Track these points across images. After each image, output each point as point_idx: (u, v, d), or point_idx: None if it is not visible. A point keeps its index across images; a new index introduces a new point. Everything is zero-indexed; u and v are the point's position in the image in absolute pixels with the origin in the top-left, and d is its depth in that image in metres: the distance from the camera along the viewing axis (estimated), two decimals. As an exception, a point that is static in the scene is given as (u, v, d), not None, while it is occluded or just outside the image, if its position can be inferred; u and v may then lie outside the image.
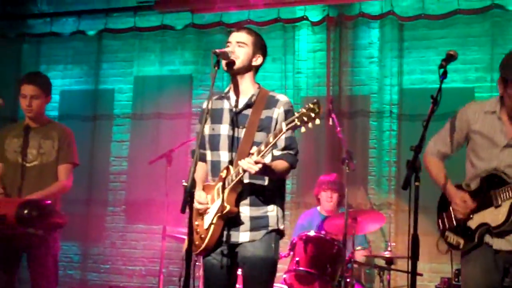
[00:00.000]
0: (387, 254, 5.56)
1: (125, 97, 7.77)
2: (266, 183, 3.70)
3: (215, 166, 3.77)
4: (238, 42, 3.75)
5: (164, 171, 6.23)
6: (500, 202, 3.59)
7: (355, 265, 5.64)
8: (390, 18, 6.85)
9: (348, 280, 5.27)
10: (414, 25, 6.79)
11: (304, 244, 5.30)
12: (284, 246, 6.00)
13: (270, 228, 3.70)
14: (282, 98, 3.75)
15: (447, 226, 3.81)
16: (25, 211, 4.35)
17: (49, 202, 4.55)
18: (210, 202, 3.69)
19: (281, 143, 3.65)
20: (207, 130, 3.81)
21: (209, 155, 3.81)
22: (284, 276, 5.42)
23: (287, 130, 3.35)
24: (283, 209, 3.81)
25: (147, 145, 7.34)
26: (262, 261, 3.65)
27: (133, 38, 7.71)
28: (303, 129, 3.33)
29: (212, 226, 3.62)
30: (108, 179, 7.64)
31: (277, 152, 3.66)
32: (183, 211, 3.31)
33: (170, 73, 7.62)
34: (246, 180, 3.63)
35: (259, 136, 3.63)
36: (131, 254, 7.44)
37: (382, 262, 5.67)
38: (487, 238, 3.65)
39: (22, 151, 4.89)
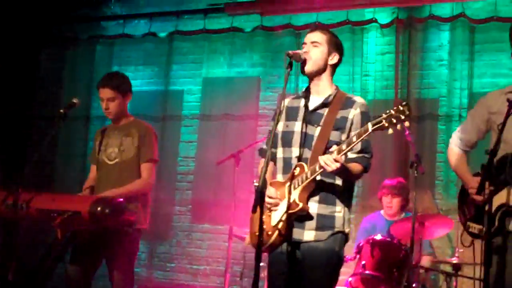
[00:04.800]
0: (454, 260, 5.48)
1: (194, 98, 7.87)
2: (337, 182, 3.69)
3: (287, 163, 3.77)
4: (312, 42, 3.77)
5: (230, 171, 6.29)
6: None
7: (421, 271, 5.59)
8: (461, 21, 6.75)
9: (414, 285, 5.23)
10: (485, 27, 6.67)
11: (371, 247, 5.28)
12: (349, 249, 6.01)
13: (336, 230, 3.67)
14: (359, 99, 3.78)
15: (467, 216, 3.66)
16: (98, 208, 4.44)
17: (122, 200, 4.64)
18: (280, 199, 3.68)
19: (358, 146, 3.62)
20: (280, 127, 3.83)
21: (281, 152, 3.82)
22: (350, 279, 5.39)
23: (373, 130, 3.35)
24: (350, 212, 3.78)
25: (214, 146, 7.42)
26: (325, 260, 3.62)
27: (203, 40, 7.81)
28: (390, 131, 3.33)
29: (281, 224, 3.62)
30: (175, 178, 7.76)
31: (352, 155, 3.65)
32: (254, 211, 3.36)
33: (238, 75, 7.69)
34: (317, 177, 3.62)
35: (334, 135, 3.65)
36: (197, 253, 7.53)
37: (448, 269, 5.61)
38: None
39: (104, 150, 5.04)
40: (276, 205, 3.68)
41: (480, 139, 3.85)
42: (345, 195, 3.74)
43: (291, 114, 3.82)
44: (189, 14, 7.87)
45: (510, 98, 3.36)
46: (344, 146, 3.43)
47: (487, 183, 3.36)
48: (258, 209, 3.36)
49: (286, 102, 3.92)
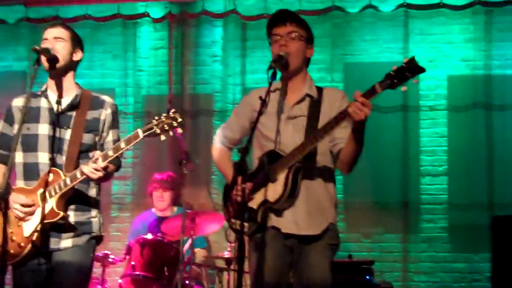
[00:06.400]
0: (226, 254, 5.51)
1: (-47, 96, 7.23)
2: (90, 188, 3.60)
3: (30, 169, 3.53)
4: (56, 38, 3.57)
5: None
6: (276, 177, 3.47)
7: (195, 267, 5.56)
8: (233, 17, 6.86)
9: (187, 282, 5.19)
10: (257, 24, 6.78)
11: (141, 247, 5.18)
12: (120, 249, 5.85)
13: (93, 234, 3.59)
14: (108, 99, 3.70)
15: (231, 213, 3.70)
16: None
17: None
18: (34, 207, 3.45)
19: (110, 146, 3.53)
20: (18, 129, 3.46)
21: (20, 156, 3.56)
22: (120, 281, 5.26)
23: (144, 137, 3.29)
24: (101, 211, 3.70)
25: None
26: (77, 271, 3.51)
27: (-39, 31, 7.20)
28: (163, 137, 3.30)
29: (36, 234, 3.40)
30: None
31: (110, 152, 3.49)
32: None
33: (2, 69, 7.21)
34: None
35: (87, 137, 3.55)
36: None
37: (222, 263, 5.62)
38: (274, 221, 3.50)
39: None
40: (31, 214, 3.45)
41: (245, 136, 3.84)
42: (97, 199, 3.67)
43: (32, 116, 3.55)
44: None
45: (262, 96, 3.35)
46: (110, 153, 3.36)
47: (239, 180, 3.34)
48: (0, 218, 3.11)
49: (20, 101, 3.67)
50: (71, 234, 3.51)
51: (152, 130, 3.28)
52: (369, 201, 6.49)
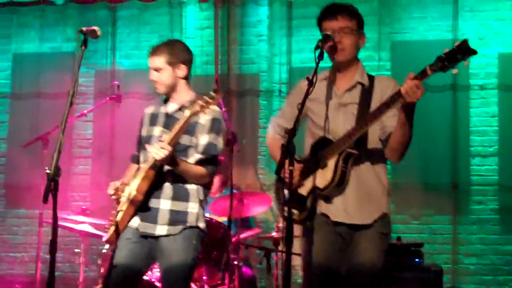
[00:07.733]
0: (274, 235, 5.50)
1: (3, 75, 7.39)
2: (188, 182, 3.76)
3: None
4: (155, 69, 3.79)
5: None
6: (326, 163, 3.45)
7: (242, 247, 5.57)
8: (279, -4, 6.81)
9: (235, 262, 5.20)
10: (303, 3, 6.77)
11: (189, 228, 5.17)
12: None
13: (188, 225, 3.74)
14: (213, 107, 3.74)
15: (282, 200, 3.66)
16: None
17: None
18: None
19: (200, 148, 3.75)
20: (144, 132, 3.92)
21: (142, 155, 3.88)
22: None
23: (190, 116, 3.46)
24: (203, 208, 3.85)
25: (27, 126, 7.00)
26: (181, 260, 3.70)
27: (11, 13, 7.32)
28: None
29: (121, 213, 3.67)
30: (-14, 162, 7.27)
31: (197, 155, 3.75)
32: (45, 200, 3.15)
33: (51, 51, 7.31)
34: (169, 179, 3.72)
35: (184, 138, 3.71)
36: (12, 240, 7.14)
37: (270, 244, 5.62)
38: (324, 208, 3.49)
39: None
40: (117, 197, 3.74)
41: (298, 125, 3.82)
42: (199, 193, 3.81)
43: (152, 120, 3.91)
44: (-6, -14, 7.35)
45: (310, 77, 3.31)
46: (165, 136, 3.55)
47: (286, 162, 3.31)
48: None
49: (151, 109, 4.00)
50: (166, 221, 3.71)
51: (196, 110, 3.47)
52: (418, 182, 6.42)
